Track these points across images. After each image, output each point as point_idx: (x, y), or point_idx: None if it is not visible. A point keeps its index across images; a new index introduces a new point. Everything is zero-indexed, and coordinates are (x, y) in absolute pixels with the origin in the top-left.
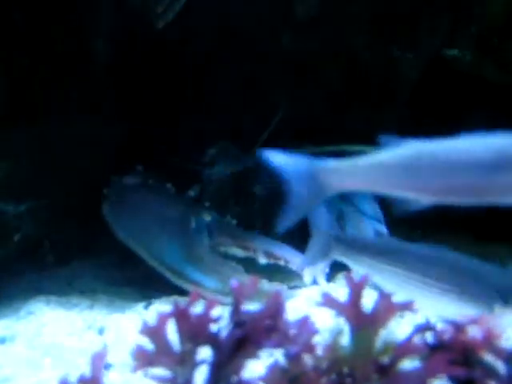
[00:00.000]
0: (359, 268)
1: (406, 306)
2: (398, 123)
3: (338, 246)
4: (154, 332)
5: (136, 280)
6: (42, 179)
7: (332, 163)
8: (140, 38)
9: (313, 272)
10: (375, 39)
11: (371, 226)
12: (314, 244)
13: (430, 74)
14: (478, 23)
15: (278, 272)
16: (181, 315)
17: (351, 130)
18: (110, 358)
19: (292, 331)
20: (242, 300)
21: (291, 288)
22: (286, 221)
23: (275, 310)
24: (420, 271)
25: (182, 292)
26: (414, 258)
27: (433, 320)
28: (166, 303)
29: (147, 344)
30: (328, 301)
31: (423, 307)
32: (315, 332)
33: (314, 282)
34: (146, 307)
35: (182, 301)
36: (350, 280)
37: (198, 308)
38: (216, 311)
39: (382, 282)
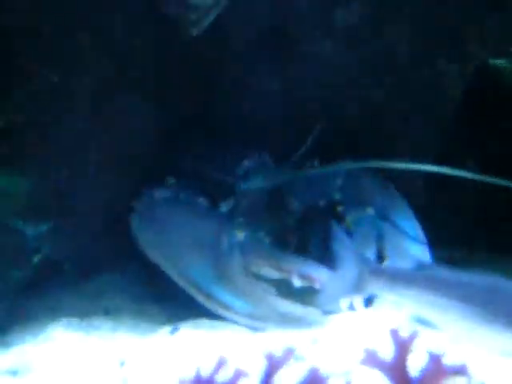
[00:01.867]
0: (402, 302)
1: (459, 370)
2: (442, 137)
3: (376, 280)
4: None
5: (163, 298)
6: (63, 197)
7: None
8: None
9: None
10: (419, 49)
11: (412, 247)
12: (341, 277)
13: (475, 86)
14: None
15: (313, 295)
16: None
17: (391, 147)
18: None
19: None
20: (274, 372)
21: (326, 313)
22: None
23: None
24: (478, 303)
25: (211, 314)
26: (469, 288)
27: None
28: (193, 328)
29: None
30: (371, 359)
31: (483, 345)
32: None
33: (351, 308)
34: (172, 332)
35: (206, 361)
36: (395, 336)
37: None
38: (244, 382)
39: (431, 316)
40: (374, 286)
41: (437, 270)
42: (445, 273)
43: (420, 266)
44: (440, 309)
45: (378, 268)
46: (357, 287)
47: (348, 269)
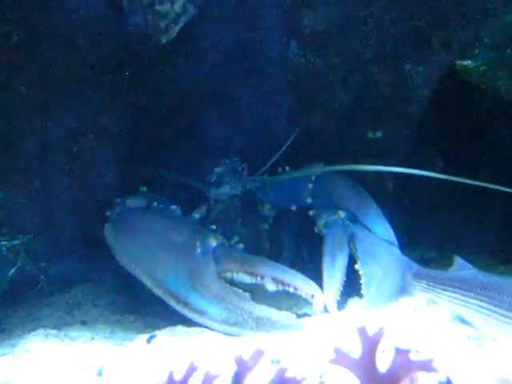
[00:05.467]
0: (443, 302)
1: (426, 365)
2: (410, 139)
3: (418, 282)
4: None
5: (138, 307)
6: (39, 209)
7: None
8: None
9: (323, 299)
10: (384, 52)
11: (384, 249)
12: (388, 280)
13: (441, 88)
14: (492, 33)
15: (287, 299)
16: None
17: (363, 149)
18: None
19: None
20: (245, 375)
21: (300, 316)
22: None
23: None
24: (504, 305)
25: (187, 321)
26: (498, 291)
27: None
28: (169, 335)
29: None
30: (340, 358)
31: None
32: None
33: (325, 310)
34: (149, 341)
35: (180, 366)
36: (363, 334)
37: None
38: None
39: (468, 315)
40: (417, 288)
41: (472, 273)
42: (479, 276)
43: (458, 269)
44: (473, 309)
45: (420, 271)
46: (401, 289)
47: (392, 273)
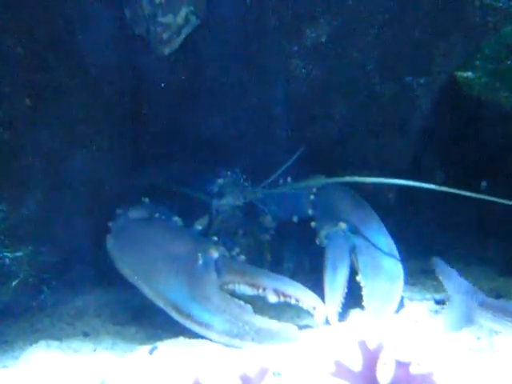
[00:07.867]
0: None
1: (426, 379)
2: (411, 150)
3: (484, 312)
4: None
5: (140, 318)
6: (42, 221)
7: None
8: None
9: (325, 311)
10: (386, 64)
11: (385, 261)
12: (453, 309)
13: (442, 99)
14: (492, 45)
15: (289, 310)
16: None
17: (363, 160)
18: None
19: None
20: None
21: (302, 327)
22: None
23: None
24: None
25: (188, 332)
26: None
27: None
28: (171, 346)
29: None
30: (341, 370)
31: None
32: None
33: (326, 322)
34: (151, 352)
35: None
36: (364, 347)
37: None
38: None
39: None
40: (483, 318)
41: None
42: None
43: None
44: None
45: (486, 300)
46: (467, 319)
47: (458, 302)
